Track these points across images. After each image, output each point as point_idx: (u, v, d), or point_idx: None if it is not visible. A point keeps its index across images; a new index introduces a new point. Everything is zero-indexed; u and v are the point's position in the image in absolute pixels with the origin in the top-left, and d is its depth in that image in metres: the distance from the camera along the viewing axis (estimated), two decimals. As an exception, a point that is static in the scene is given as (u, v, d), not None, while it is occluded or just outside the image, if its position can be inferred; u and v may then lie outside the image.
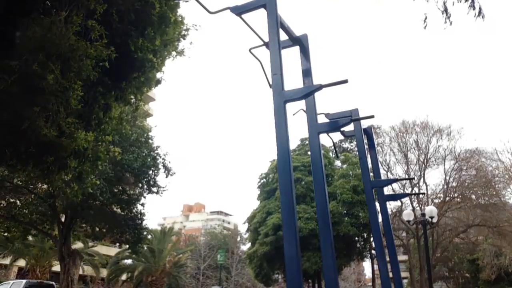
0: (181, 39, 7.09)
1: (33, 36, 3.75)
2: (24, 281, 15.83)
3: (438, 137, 24.55)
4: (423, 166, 24.38)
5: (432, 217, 13.42)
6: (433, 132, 24.63)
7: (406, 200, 23.66)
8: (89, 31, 4.20)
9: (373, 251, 23.43)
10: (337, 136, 23.49)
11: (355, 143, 15.67)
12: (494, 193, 23.35)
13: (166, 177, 15.69)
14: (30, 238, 19.78)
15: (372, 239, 21.07)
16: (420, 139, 24.83)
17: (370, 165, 4.12)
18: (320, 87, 2.26)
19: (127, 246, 16.43)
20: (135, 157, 13.95)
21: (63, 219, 14.80)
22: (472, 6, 5.90)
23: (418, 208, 22.45)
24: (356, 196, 21.33)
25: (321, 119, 3.20)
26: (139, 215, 15.80)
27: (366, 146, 3.96)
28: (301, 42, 3.01)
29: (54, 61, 3.83)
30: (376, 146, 4.64)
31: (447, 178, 24.23)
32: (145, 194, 15.87)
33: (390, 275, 3.82)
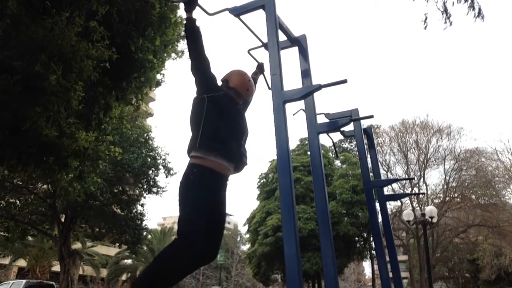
0: (181, 40, 7.10)
1: (35, 36, 3.77)
2: (24, 281, 15.85)
3: (438, 137, 24.58)
4: (423, 166, 24.40)
5: (432, 217, 13.45)
6: (433, 132, 24.65)
7: (406, 200, 23.67)
8: (90, 31, 4.22)
9: (373, 251, 23.44)
10: (337, 136, 23.52)
11: (355, 143, 15.64)
12: (494, 193, 23.36)
13: (166, 177, 15.73)
14: (30, 238, 19.80)
15: (372, 239, 21.08)
16: (420, 139, 24.85)
17: (370, 165, 4.13)
18: (319, 87, 2.26)
19: (127, 246, 16.48)
20: (135, 157, 13.97)
21: (63, 219, 14.82)
22: (472, 6, 5.94)
23: (418, 208, 22.45)
24: (356, 196, 21.35)
25: (321, 119, 3.21)
26: (139, 216, 15.82)
27: (366, 146, 3.96)
28: (299, 43, 3.02)
29: (56, 61, 3.85)
30: (376, 146, 4.64)
31: (447, 178, 24.26)
32: (145, 195, 15.90)
33: (390, 275, 3.83)
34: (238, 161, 2.46)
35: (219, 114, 2.43)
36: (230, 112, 2.51)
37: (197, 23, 2.56)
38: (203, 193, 2.28)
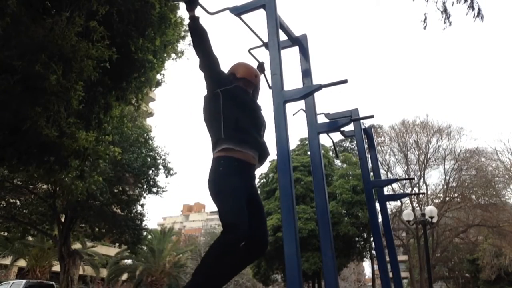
0: (181, 40, 7.12)
1: (35, 36, 3.77)
2: (24, 281, 15.87)
3: (438, 137, 24.57)
4: (423, 166, 24.39)
5: (432, 217, 13.44)
6: (433, 132, 24.64)
7: (406, 200, 23.67)
8: (90, 31, 4.22)
9: (373, 251, 23.44)
10: (337, 136, 23.52)
11: (355, 143, 15.67)
12: (494, 193, 23.35)
13: (166, 177, 15.73)
14: (30, 238, 19.81)
15: (372, 239, 21.07)
16: (420, 139, 24.84)
17: (370, 165, 4.13)
18: (319, 87, 2.26)
19: (127, 246, 16.49)
20: (135, 157, 13.97)
21: (63, 219, 14.81)
22: (471, 6, 5.93)
23: (418, 208, 22.45)
24: (356, 196, 21.33)
25: (321, 119, 3.20)
26: (139, 216, 15.82)
27: (366, 146, 3.96)
28: (300, 43, 3.01)
29: (56, 61, 3.85)
30: (376, 146, 4.64)
31: (447, 178, 24.25)
32: (145, 195, 15.90)
33: (390, 275, 3.83)
34: (263, 150, 2.44)
35: (237, 106, 2.41)
36: (247, 103, 2.51)
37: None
38: (236, 182, 2.23)
